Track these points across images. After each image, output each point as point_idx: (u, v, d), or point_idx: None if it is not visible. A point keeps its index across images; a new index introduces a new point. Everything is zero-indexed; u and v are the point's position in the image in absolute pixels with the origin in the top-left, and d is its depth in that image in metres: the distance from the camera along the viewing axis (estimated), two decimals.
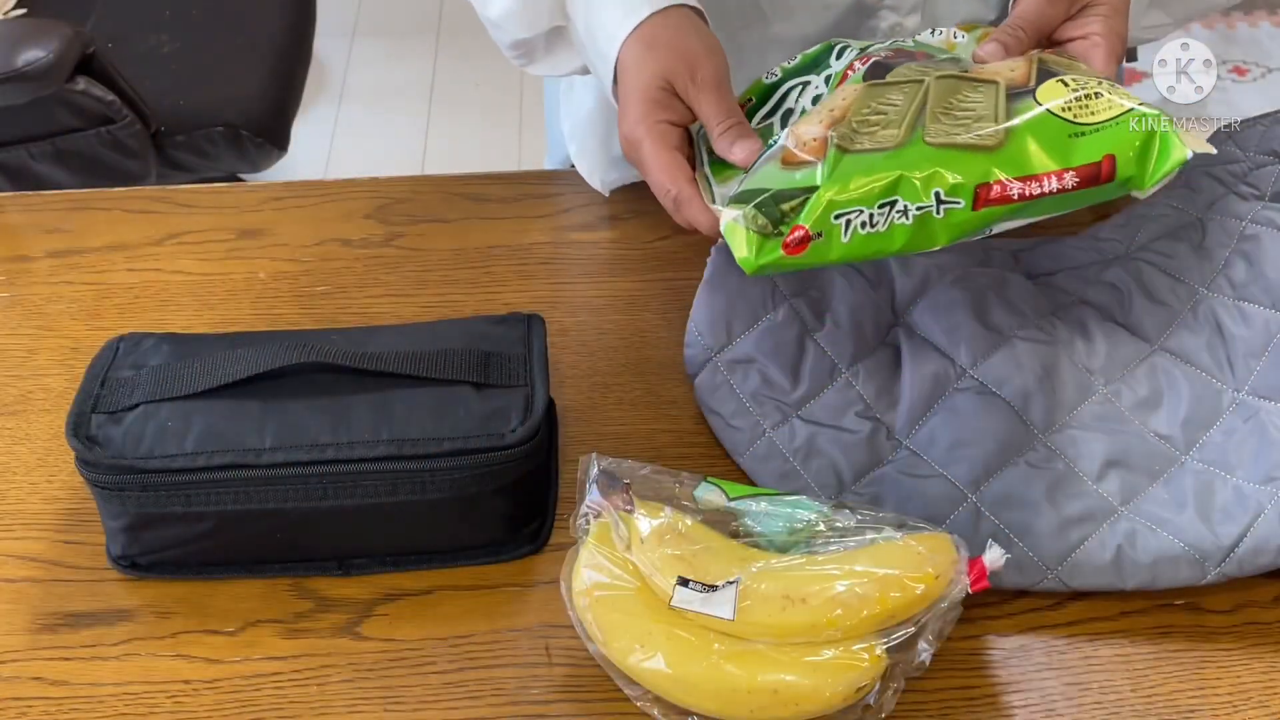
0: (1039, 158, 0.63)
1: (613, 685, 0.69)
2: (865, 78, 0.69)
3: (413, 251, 0.97)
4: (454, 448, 0.72)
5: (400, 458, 0.71)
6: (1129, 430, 0.78)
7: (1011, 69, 0.67)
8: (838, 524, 0.68)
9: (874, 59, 0.71)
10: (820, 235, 0.63)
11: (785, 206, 0.64)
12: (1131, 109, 0.64)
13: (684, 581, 0.66)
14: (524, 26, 0.84)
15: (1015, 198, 0.63)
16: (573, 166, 1.07)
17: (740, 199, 0.66)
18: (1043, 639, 0.73)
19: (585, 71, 0.87)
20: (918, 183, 0.63)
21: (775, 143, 0.69)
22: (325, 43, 2.47)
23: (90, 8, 1.95)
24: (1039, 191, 0.63)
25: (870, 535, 0.68)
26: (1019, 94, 0.65)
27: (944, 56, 0.72)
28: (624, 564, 0.68)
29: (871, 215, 0.63)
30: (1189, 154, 0.63)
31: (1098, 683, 0.71)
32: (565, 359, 0.88)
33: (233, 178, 1.88)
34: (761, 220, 0.65)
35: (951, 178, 0.63)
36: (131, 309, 0.93)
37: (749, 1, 0.91)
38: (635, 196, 1.01)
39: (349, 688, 0.71)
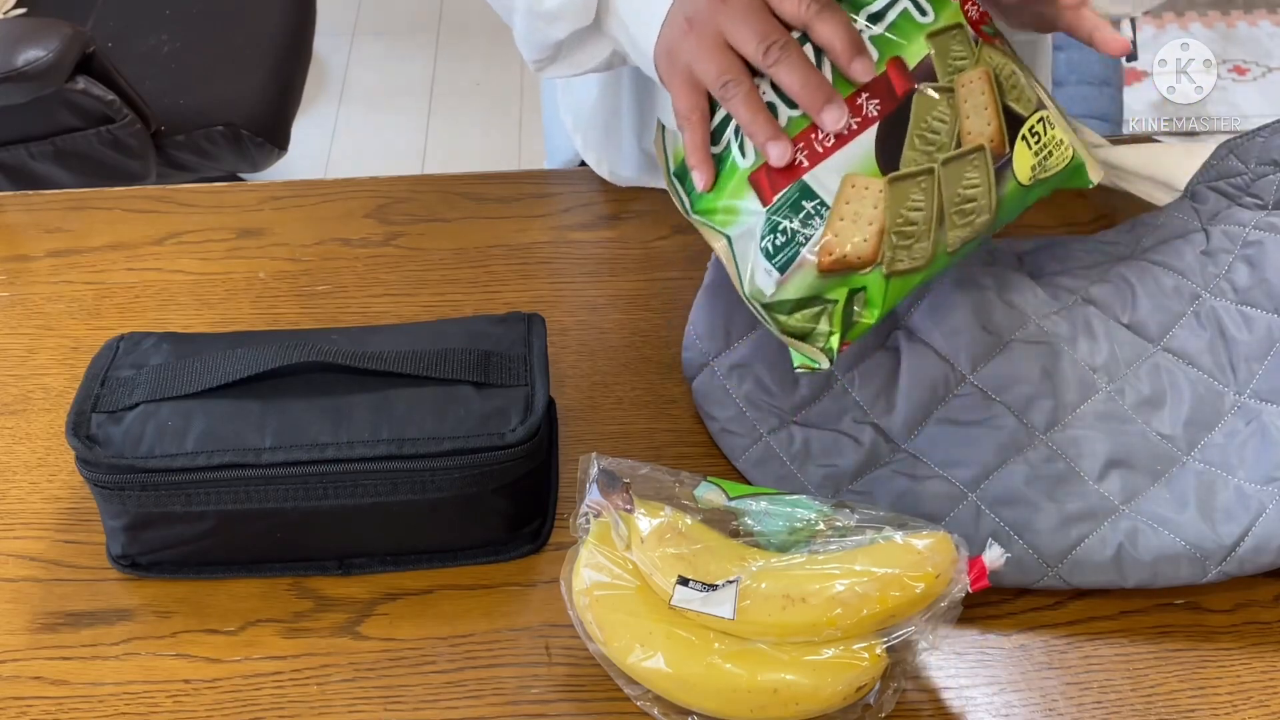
0: (1006, 218, 0.74)
1: (613, 685, 0.69)
2: (877, 158, 0.70)
3: (413, 251, 0.97)
4: (454, 447, 0.72)
5: (400, 457, 0.71)
6: (1131, 430, 0.78)
7: (987, 122, 0.71)
8: (838, 523, 0.68)
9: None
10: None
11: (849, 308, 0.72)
12: (1071, 158, 0.74)
13: (684, 581, 0.66)
14: (581, 15, 0.81)
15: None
16: (576, 165, 1.07)
17: (795, 309, 0.72)
18: (1043, 638, 0.73)
19: (606, 66, 0.86)
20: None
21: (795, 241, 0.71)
22: (325, 43, 2.47)
23: (90, 7, 1.95)
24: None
25: (870, 534, 0.67)
26: (1002, 168, 0.72)
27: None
28: (624, 563, 0.68)
29: None
30: (1091, 184, 0.76)
31: (1098, 682, 0.71)
32: (565, 359, 0.88)
33: (233, 177, 1.88)
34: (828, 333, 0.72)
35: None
36: (131, 309, 0.93)
37: None
38: (635, 196, 1.01)
39: (349, 687, 0.71)
